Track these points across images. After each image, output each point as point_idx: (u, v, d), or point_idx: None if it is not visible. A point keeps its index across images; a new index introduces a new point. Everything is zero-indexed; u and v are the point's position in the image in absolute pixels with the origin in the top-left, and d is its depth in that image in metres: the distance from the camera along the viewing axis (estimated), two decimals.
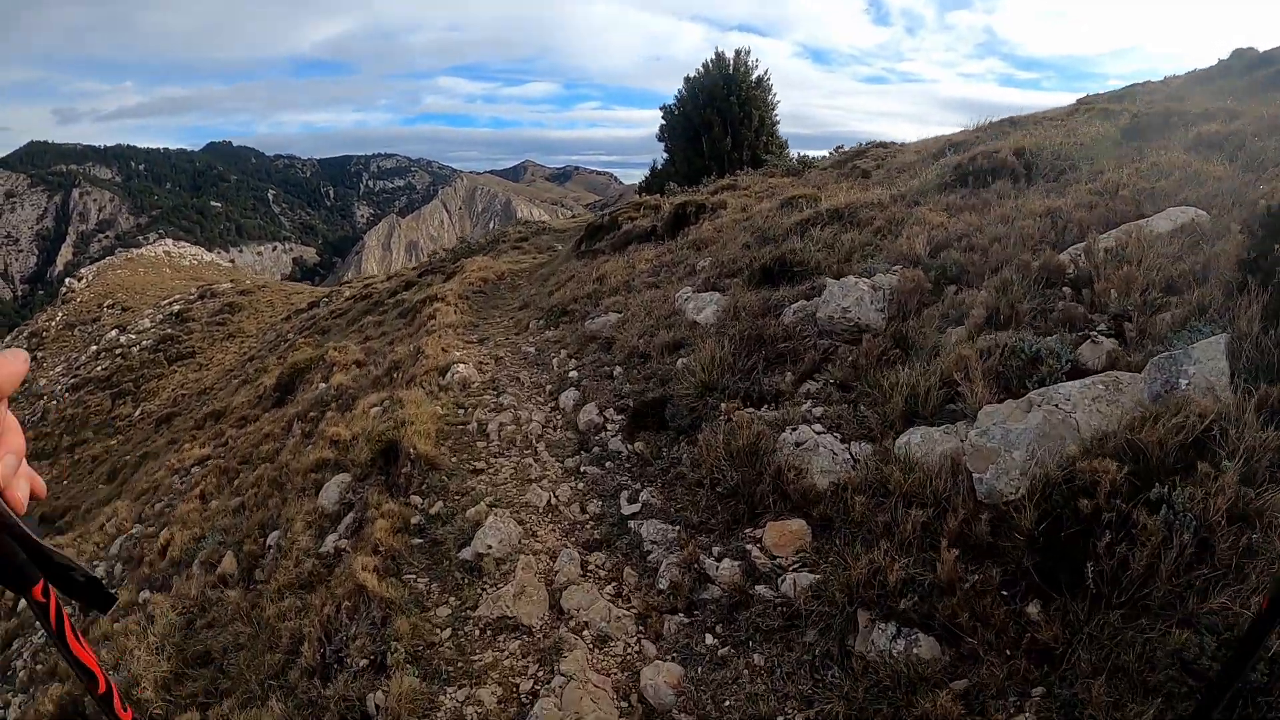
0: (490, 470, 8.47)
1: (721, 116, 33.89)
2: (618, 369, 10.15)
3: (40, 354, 61.45)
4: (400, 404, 10.23)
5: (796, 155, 33.51)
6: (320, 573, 7.58)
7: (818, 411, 6.85)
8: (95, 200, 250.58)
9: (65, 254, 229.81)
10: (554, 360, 11.76)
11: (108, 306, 69.02)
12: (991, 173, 11.72)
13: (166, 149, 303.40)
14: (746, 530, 6.04)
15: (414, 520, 7.49)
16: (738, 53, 35.24)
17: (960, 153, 14.55)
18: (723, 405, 7.57)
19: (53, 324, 68.86)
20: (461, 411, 10.15)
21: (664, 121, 37.65)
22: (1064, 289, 6.97)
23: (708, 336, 9.16)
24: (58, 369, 57.62)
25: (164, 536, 11.56)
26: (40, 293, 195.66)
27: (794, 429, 6.46)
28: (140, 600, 9.86)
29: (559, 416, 9.67)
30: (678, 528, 6.47)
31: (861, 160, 18.31)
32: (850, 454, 6.03)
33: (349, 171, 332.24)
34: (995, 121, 18.00)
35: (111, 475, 26.11)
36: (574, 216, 47.27)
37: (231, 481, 12.93)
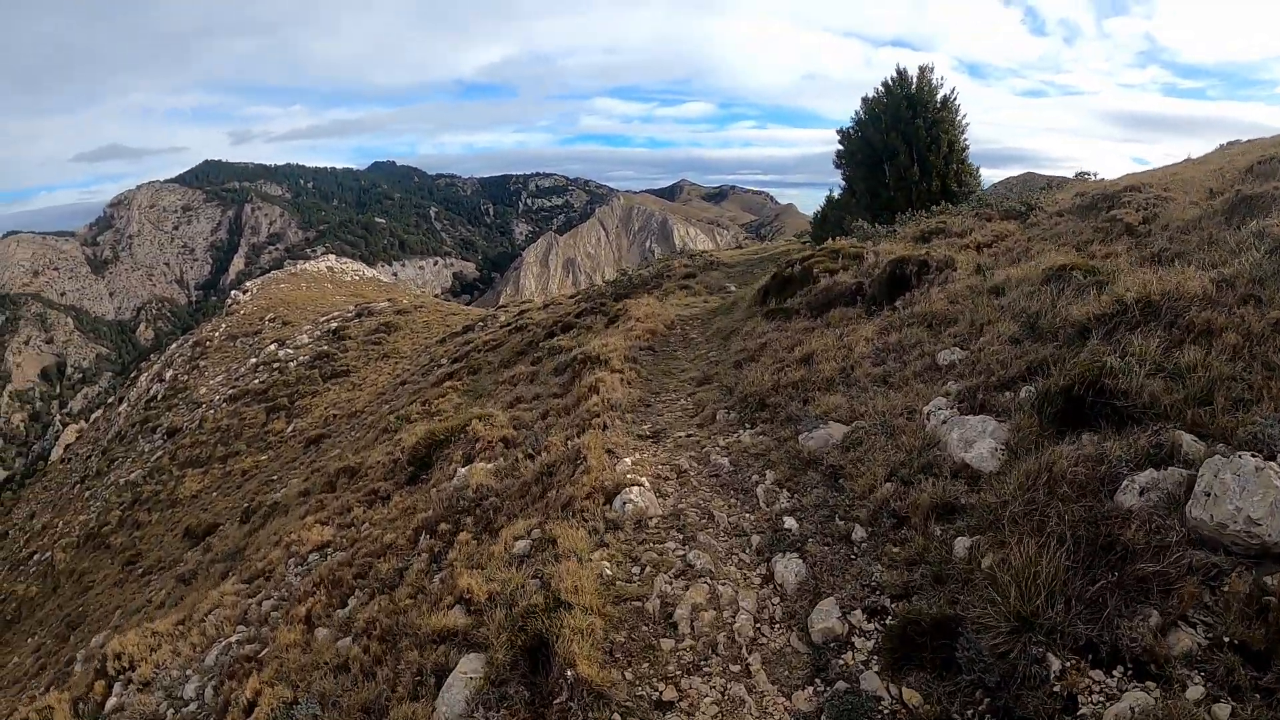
0: (683, 702, 5.73)
1: (907, 142, 30.34)
2: (858, 529, 7.20)
3: (203, 362, 62.66)
4: (554, 550, 7.72)
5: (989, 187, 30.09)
6: None
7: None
8: (266, 215, 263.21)
9: (237, 264, 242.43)
10: (758, 488, 8.81)
11: (269, 320, 70.20)
12: None
13: (333, 168, 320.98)
14: None
15: None
16: (921, 70, 31.73)
17: (1261, 212, 11.13)
18: (1053, 660, 4.67)
19: (216, 334, 69.73)
20: (637, 571, 7.42)
21: (841, 146, 34.17)
22: None
23: (1006, 518, 6.08)
24: (218, 378, 57.80)
25: (252, 687, 8.98)
26: (213, 299, 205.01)
27: None
28: None
29: (776, 602, 6.75)
30: None
31: (1122, 210, 14.56)
32: None
33: (508, 190, 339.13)
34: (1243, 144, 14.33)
35: (246, 516, 24.25)
36: (739, 246, 44.49)
37: (344, 602, 10.30)
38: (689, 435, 10.98)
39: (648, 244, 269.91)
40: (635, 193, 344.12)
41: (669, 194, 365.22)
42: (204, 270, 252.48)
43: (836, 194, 35.46)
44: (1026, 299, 10.23)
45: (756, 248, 43.06)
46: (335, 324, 61.31)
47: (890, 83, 31.53)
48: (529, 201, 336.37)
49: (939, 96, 31.09)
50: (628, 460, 9.73)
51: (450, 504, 10.94)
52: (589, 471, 9.22)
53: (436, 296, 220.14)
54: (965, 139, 31.40)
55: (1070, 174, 33.05)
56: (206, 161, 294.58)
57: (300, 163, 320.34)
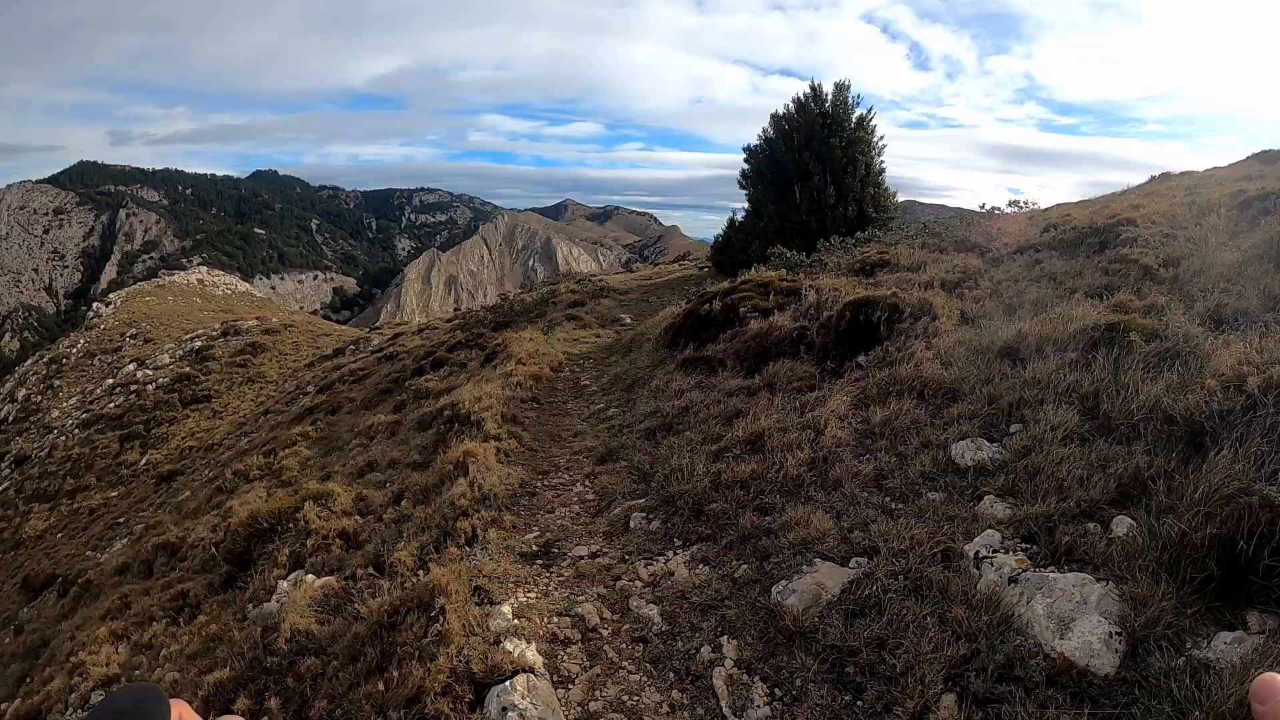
0: None
1: (821, 162, 27.67)
2: None
3: (58, 382, 58.20)
4: None
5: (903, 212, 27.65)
6: None
7: None
8: (141, 221, 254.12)
9: (109, 272, 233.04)
10: (713, 672, 5.35)
11: (130, 336, 65.37)
12: None
13: (213, 175, 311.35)
14: None
15: None
16: (837, 87, 29.04)
17: None
18: None
19: (74, 350, 64.42)
20: None
21: (746, 165, 31.33)
22: None
23: None
24: (72, 400, 53.60)
25: None
26: (83, 309, 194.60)
27: None
28: None
29: None
30: None
31: (1129, 248, 11.54)
32: None
33: (392, 204, 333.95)
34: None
35: (64, 588, 20.39)
36: (627, 268, 41.60)
37: None
38: (594, 554, 7.50)
39: (531, 263, 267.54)
40: (520, 210, 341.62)
41: (554, 213, 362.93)
42: (74, 278, 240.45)
43: (740, 217, 32.53)
44: (1068, 370, 7.24)
45: (647, 271, 40.13)
46: (199, 343, 56.61)
47: (804, 98, 28.84)
48: (413, 217, 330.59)
49: (855, 115, 28.52)
50: (506, 609, 6.21)
51: (254, 660, 7.33)
52: (447, 639, 5.78)
53: (315, 312, 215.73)
54: (881, 161, 28.91)
55: (946, 202, 30.66)
56: (82, 162, 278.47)
57: (180, 168, 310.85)
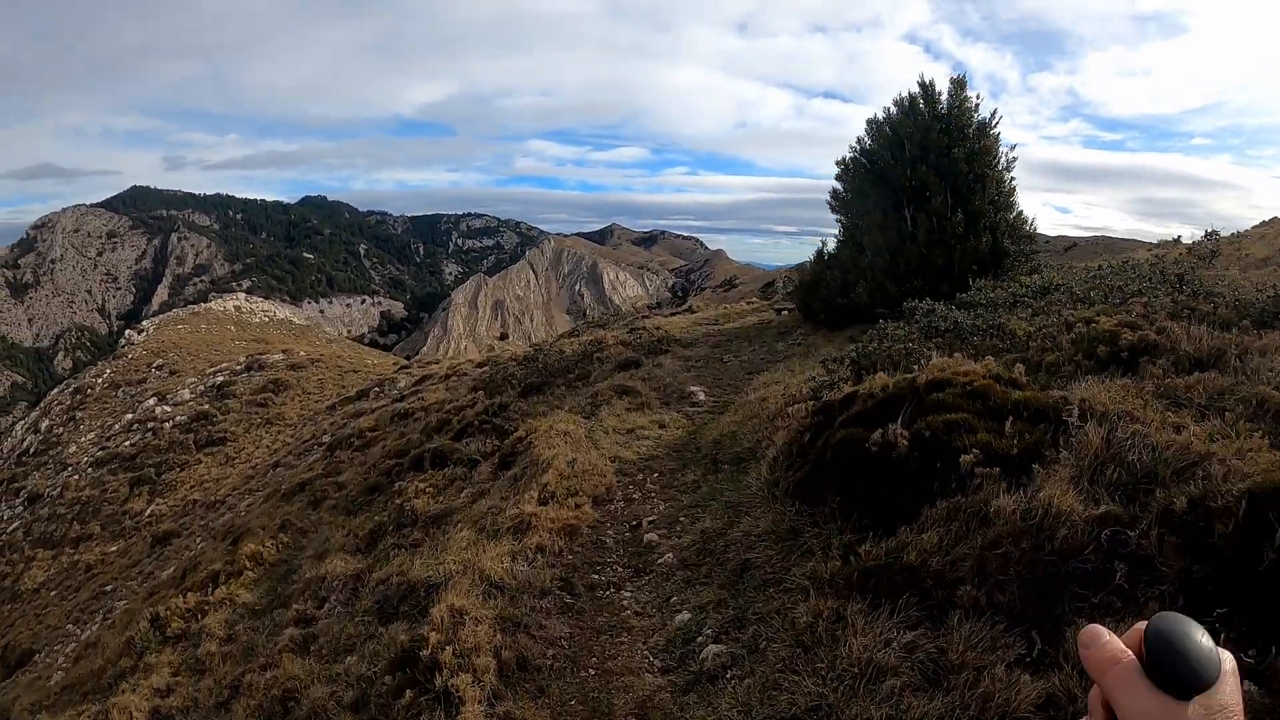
0: None
1: (942, 179, 20.97)
2: None
3: (80, 413, 55.64)
4: None
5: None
6: None
7: None
8: (192, 245, 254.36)
9: (161, 294, 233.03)
10: None
11: (156, 367, 62.74)
12: None
13: (263, 200, 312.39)
14: None
15: None
16: (954, 83, 22.35)
17: None
18: None
19: (100, 380, 61.89)
20: None
21: (839, 185, 24.81)
22: None
23: None
24: (91, 435, 50.79)
25: None
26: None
27: None
28: None
29: None
30: None
31: None
32: None
33: (439, 229, 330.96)
34: None
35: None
36: (693, 310, 35.21)
37: None
38: None
39: (577, 287, 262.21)
40: (567, 236, 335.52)
41: (600, 237, 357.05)
42: (127, 299, 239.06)
43: (831, 246, 25.68)
44: None
45: (711, 312, 33.18)
46: (221, 378, 53.19)
47: (911, 99, 22.20)
48: (460, 241, 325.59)
49: (975, 120, 21.97)
50: None
51: None
52: None
53: (362, 335, 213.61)
54: (1013, 179, 22.09)
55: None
56: (135, 187, 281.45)
57: (230, 193, 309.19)
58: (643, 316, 33.65)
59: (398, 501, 13.64)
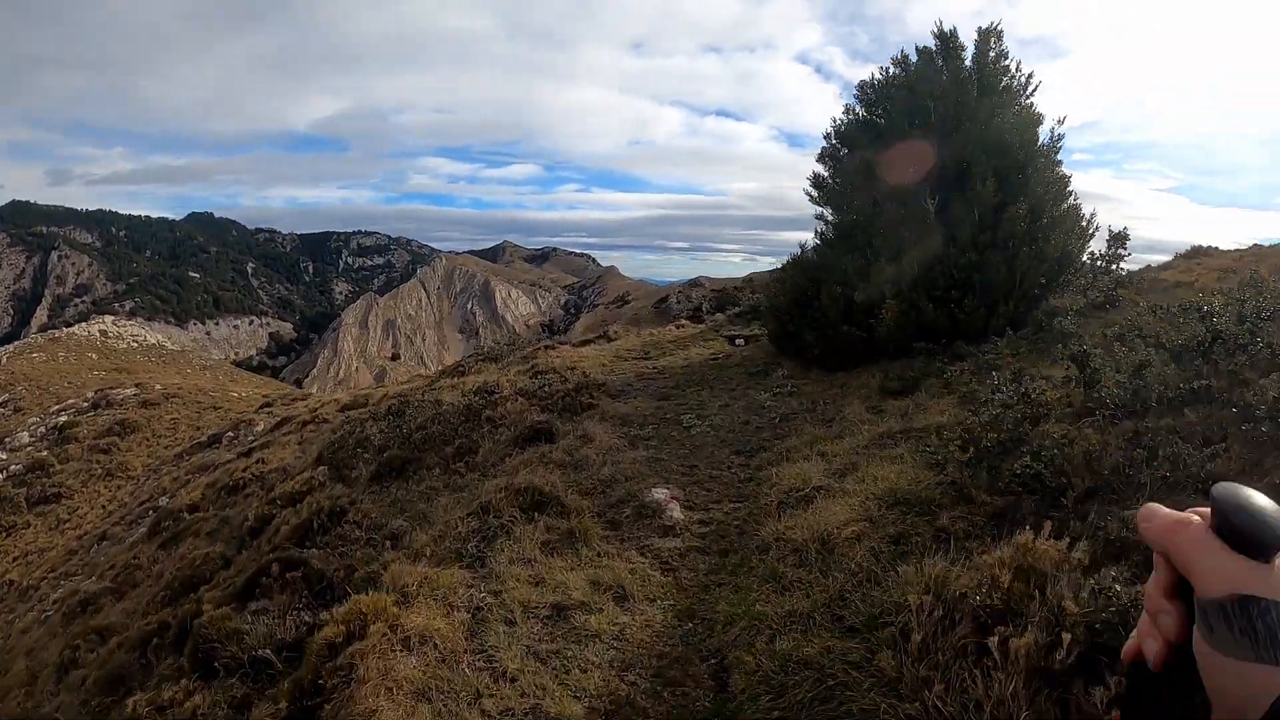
0: None
1: (986, 155, 14.22)
2: None
3: None
4: None
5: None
6: None
7: None
8: (74, 264, 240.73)
9: (40, 316, 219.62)
10: None
11: (0, 404, 52.88)
12: None
13: (148, 216, 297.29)
14: None
15: None
16: (982, 33, 15.47)
17: None
18: None
19: None
20: None
21: (822, 168, 17.84)
22: None
23: None
24: None
25: None
26: None
27: None
28: None
29: None
30: None
31: None
32: None
33: (329, 247, 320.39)
34: None
35: None
36: (611, 338, 27.79)
37: None
38: None
39: (469, 306, 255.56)
40: (459, 253, 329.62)
41: (492, 255, 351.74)
42: (4, 322, 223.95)
43: (810, 250, 18.49)
44: None
45: (638, 342, 23.76)
46: (65, 418, 44.88)
47: (930, 51, 15.79)
48: (350, 260, 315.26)
49: (1014, 83, 15.55)
50: None
51: None
52: None
53: (250, 358, 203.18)
54: (1064, 169, 15.72)
55: None
56: (15, 201, 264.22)
57: (115, 209, 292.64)
58: (545, 345, 26.09)
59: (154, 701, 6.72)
